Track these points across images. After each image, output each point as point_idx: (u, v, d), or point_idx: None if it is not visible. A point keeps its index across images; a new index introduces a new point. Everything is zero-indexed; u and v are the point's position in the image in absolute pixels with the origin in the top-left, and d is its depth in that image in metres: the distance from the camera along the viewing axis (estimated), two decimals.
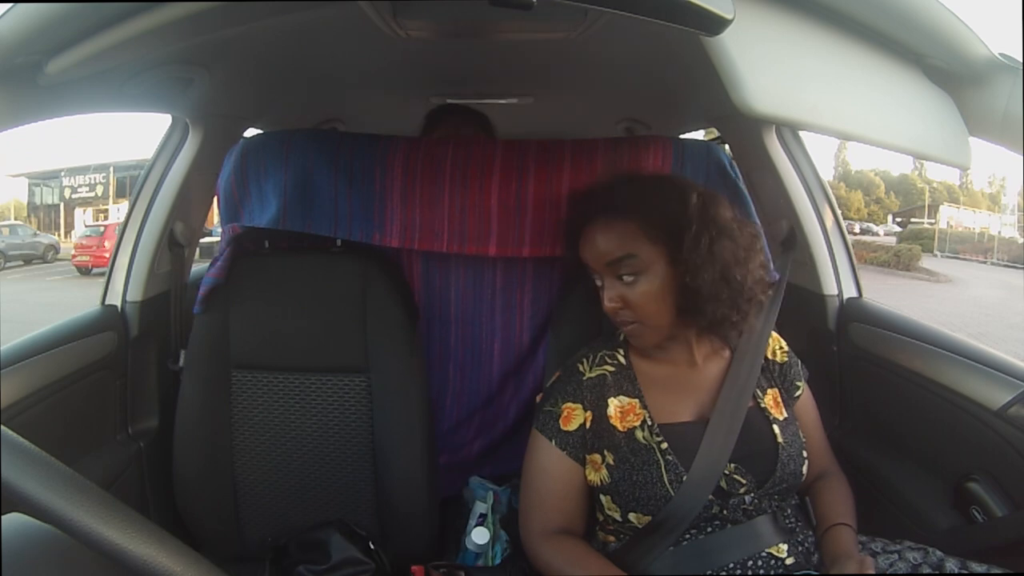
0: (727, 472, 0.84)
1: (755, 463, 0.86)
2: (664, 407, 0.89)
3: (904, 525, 1.02)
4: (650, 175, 0.91)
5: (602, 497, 0.87)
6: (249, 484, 1.10)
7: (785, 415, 0.92)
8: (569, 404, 0.90)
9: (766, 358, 0.96)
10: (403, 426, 1.08)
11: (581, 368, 0.93)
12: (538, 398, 0.96)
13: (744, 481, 0.85)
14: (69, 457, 0.98)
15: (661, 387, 0.91)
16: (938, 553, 0.83)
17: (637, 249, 0.84)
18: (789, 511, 0.89)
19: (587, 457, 0.89)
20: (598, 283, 0.90)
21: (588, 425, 0.89)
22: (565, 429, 0.89)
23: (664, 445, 0.85)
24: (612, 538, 0.91)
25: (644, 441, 0.86)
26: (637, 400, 0.89)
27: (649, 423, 0.87)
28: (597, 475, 0.87)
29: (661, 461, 0.84)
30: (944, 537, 0.94)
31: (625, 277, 0.85)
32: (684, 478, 0.83)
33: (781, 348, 0.98)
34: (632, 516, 0.85)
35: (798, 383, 0.97)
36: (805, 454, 0.90)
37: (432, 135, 1.41)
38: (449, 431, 1.27)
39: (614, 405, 0.89)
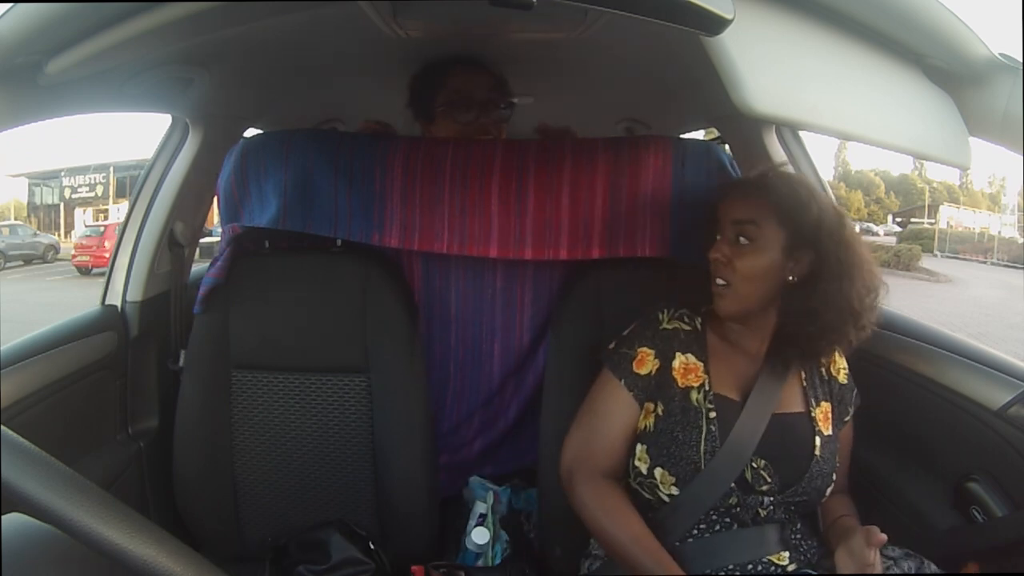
0: (755, 466, 0.86)
1: (785, 466, 0.87)
2: (722, 378, 0.92)
3: (904, 525, 1.02)
4: (812, 183, 0.94)
5: (638, 447, 0.90)
6: (249, 484, 1.10)
7: (831, 432, 0.93)
8: (644, 348, 0.93)
9: (828, 373, 0.97)
10: (403, 426, 1.08)
11: (660, 317, 0.95)
12: (611, 345, 0.97)
13: (769, 480, 0.86)
14: (69, 457, 0.98)
15: (724, 361, 0.93)
16: (933, 567, 0.84)
17: (762, 221, 0.89)
18: (799, 525, 0.90)
19: (646, 404, 0.91)
20: (717, 238, 0.93)
21: (654, 373, 0.92)
22: (637, 372, 0.92)
23: (712, 414, 0.88)
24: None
25: (696, 404, 0.89)
26: (702, 364, 0.92)
27: (707, 388, 0.90)
28: (644, 422, 0.90)
29: (704, 428, 0.87)
30: (944, 537, 0.94)
31: (742, 239, 0.90)
32: (717, 450, 0.85)
33: (843, 369, 0.98)
34: (658, 472, 0.87)
35: (850, 408, 0.98)
36: (834, 477, 0.91)
37: (434, 98, 1.22)
38: (449, 431, 1.27)
39: (680, 360, 0.92)
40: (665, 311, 0.96)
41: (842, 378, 0.97)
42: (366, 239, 1.08)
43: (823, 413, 0.93)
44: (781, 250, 0.88)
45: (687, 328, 0.94)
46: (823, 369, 0.96)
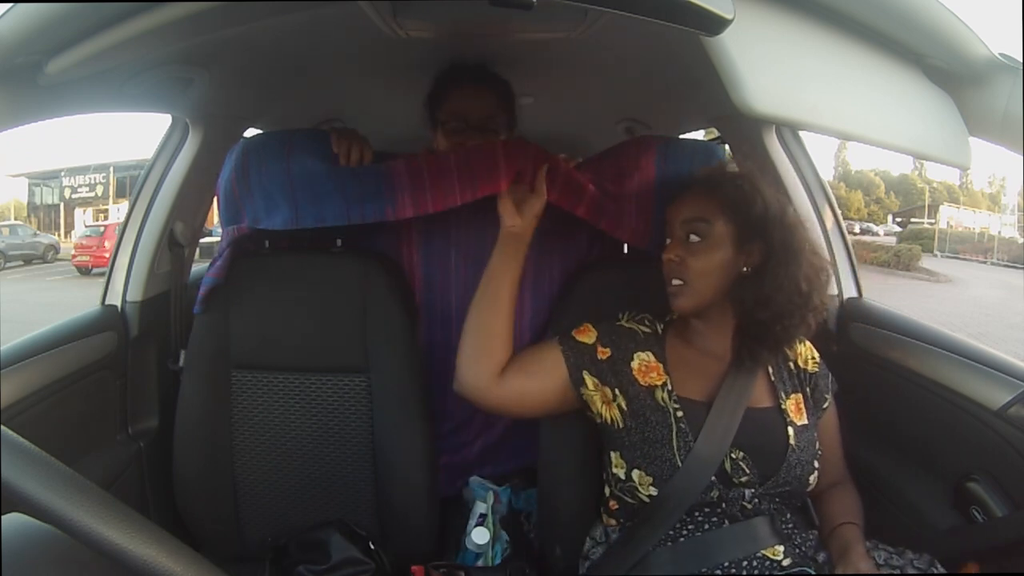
0: (733, 456, 0.86)
1: (762, 458, 0.88)
2: (684, 382, 0.92)
3: (904, 525, 1.02)
4: (755, 176, 0.96)
5: (612, 454, 0.91)
6: (249, 484, 1.10)
7: (805, 421, 0.93)
8: (590, 326, 0.96)
9: (797, 365, 0.97)
10: (403, 426, 1.08)
11: (620, 317, 0.99)
12: None
13: (748, 471, 0.86)
14: (69, 457, 0.97)
15: (685, 365, 0.94)
16: (940, 568, 0.84)
17: (712, 218, 0.91)
18: (788, 515, 0.90)
19: (601, 388, 0.92)
20: (668, 241, 0.95)
21: (603, 357, 0.93)
22: (575, 337, 0.95)
23: (680, 413, 0.89)
24: (614, 521, 0.93)
25: (662, 403, 0.90)
26: (662, 365, 0.93)
27: (669, 388, 0.91)
28: (608, 412, 0.92)
29: (674, 426, 0.88)
30: (944, 537, 0.94)
31: (692, 237, 0.91)
32: (692, 446, 0.86)
33: (813, 358, 0.99)
34: (635, 474, 0.87)
35: (827, 395, 0.98)
36: (817, 464, 0.91)
37: (437, 111, 1.22)
38: (450, 432, 1.27)
39: (639, 359, 0.93)
40: (625, 314, 0.99)
41: (812, 367, 0.98)
42: (380, 217, 1.06)
43: (794, 404, 0.93)
44: (732, 244, 0.90)
45: (646, 330, 0.96)
46: (791, 363, 0.97)
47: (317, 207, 1.07)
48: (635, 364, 0.93)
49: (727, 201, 0.90)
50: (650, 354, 0.93)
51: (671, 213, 0.95)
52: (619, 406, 0.91)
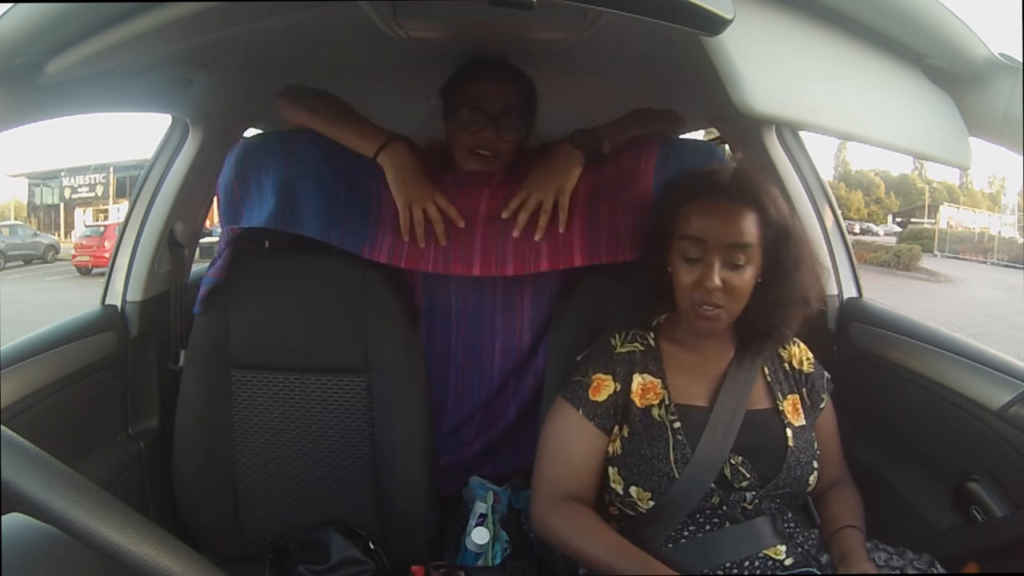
0: (733, 463, 0.86)
1: (762, 460, 0.87)
2: (683, 388, 0.91)
3: (904, 525, 1.02)
4: (774, 187, 0.93)
5: (609, 469, 0.90)
6: (249, 484, 1.10)
7: (803, 422, 0.93)
8: (600, 375, 0.92)
9: (792, 366, 0.97)
10: (403, 426, 1.08)
11: (613, 342, 0.95)
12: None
13: (748, 476, 0.86)
14: (69, 457, 0.97)
15: (684, 370, 0.93)
16: (939, 568, 0.84)
17: (755, 240, 0.86)
18: (790, 515, 0.90)
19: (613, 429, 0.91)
20: (690, 257, 0.87)
21: (612, 393, 0.91)
22: (594, 399, 0.91)
23: (676, 424, 0.88)
24: (614, 524, 0.92)
25: (659, 418, 0.88)
26: (659, 380, 0.91)
27: (667, 403, 0.89)
28: (612, 447, 0.90)
29: (670, 439, 0.87)
30: (944, 537, 0.94)
31: (739, 259, 0.85)
32: (689, 457, 0.85)
33: (808, 359, 0.99)
34: (633, 490, 0.87)
35: (823, 395, 0.98)
36: (816, 464, 0.91)
37: (452, 105, 1.17)
38: (450, 432, 1.27)
39: (637, 382, 0.91)
40: (617, 335, 0.95)
41: (807, 368, 0.98)
42: (357, 250, 1.08)
43: (792, 405, 0.93)
44: (761, 260, 0.88)
45: (641, 348, 0.94)
46: (786, 364, 0.97)
47: (300, 215, 1.08)
48: (634, 387, 0.91)
49: (764, 217, 0.87)
50: (647, 375, 0.92)
51: (705, 227, 0.85)
52: (621, 436, 0.90)
